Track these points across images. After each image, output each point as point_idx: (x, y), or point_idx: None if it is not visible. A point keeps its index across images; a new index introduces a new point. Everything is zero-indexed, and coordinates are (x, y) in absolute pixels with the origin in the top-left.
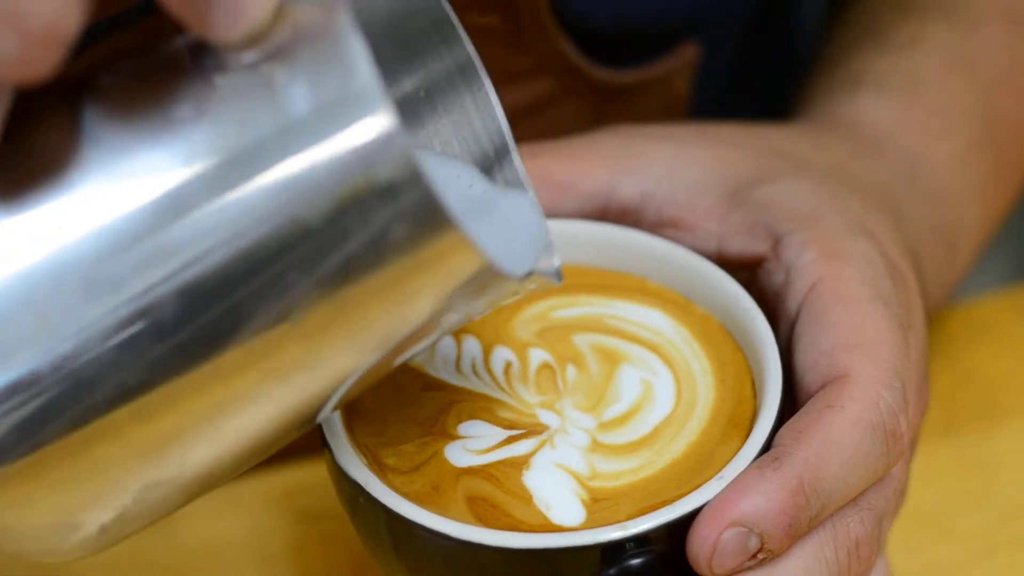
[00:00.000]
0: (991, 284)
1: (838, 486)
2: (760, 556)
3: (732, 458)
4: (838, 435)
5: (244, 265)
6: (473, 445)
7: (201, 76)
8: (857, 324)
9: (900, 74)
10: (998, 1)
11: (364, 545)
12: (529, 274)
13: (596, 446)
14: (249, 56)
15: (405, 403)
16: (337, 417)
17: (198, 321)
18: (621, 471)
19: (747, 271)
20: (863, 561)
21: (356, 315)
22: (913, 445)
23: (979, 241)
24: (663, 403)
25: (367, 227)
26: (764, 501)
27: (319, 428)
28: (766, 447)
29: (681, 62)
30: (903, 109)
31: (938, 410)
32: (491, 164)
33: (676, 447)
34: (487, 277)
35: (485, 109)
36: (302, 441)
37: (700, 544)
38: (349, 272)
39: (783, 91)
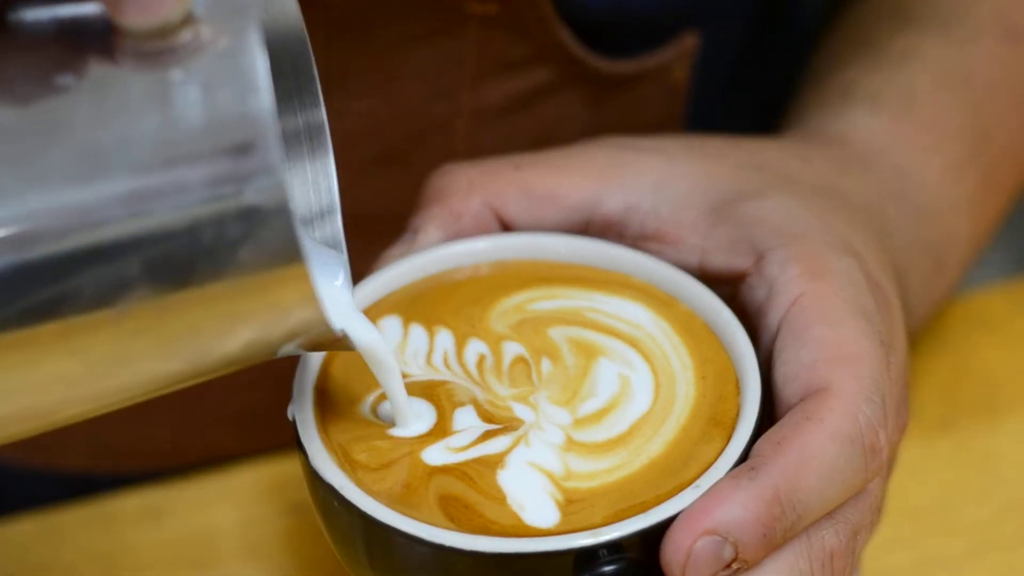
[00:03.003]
0: (991, 277)
1: (814, 498)
2: (734, 566)
3: (711, 463)
4: (816, 447)
5: (92, 244)
6: (451, 442)
7: (96, 51)
8: (839, 339)
9: (893, 88)
10: (993, 15)
11: (336, 549)
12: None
13: (571, 444)
14: (149, 46)
15: (377, 399)
16: (310, 413)
17: (31, 288)
18: (596, 471)
19: (729, 286)
20: (838, 573)
21: (177, 321)
22: (891, 463)
23: (968, 256)
24: (640, 399)
25: (220, 241)
26: (739, 510)
27: (292, 425)
28: (744, 455)
29: (681, 52)
30: (895, 125)
31: (937, 404)
32: (315, 218)
33: (653, 447)
34: (311, 319)
35: (322, 168)
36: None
37: (674, 552)
38: (188, 279)
39: (783, 83)
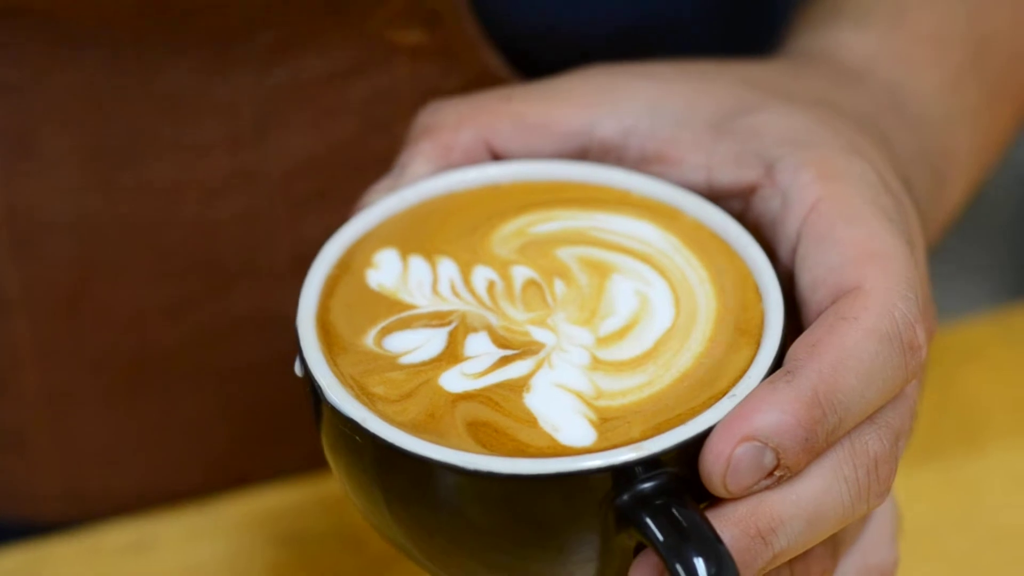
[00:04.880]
0: (975, 307)
1: (855, 399)
2: (777, 474)
3: (744, 371)
4: (853, 346)
5: None
6: (467, 368)
7: None
8: (864, 238)
9: (883, 3)
10: None
11: (356, 497)
12: None
13: (597, 363)
14: None
15: (387, 331)
16: (318, 353)
17: None
18: (627, 388)
19: (740, 200)
20: (883, 481)
21: None
22: (922, 369)
23: (973, 172)
24: (662, 314)
25: None
26: (779, 414)
27: (303, 375)
28: (777, 361)
29: None
30: (886, 38)
31: (922, 432)
32: None
33: (682, 360)
34: None
35: None
36: (280, 462)
37: (713, 461)
38: None
39: None
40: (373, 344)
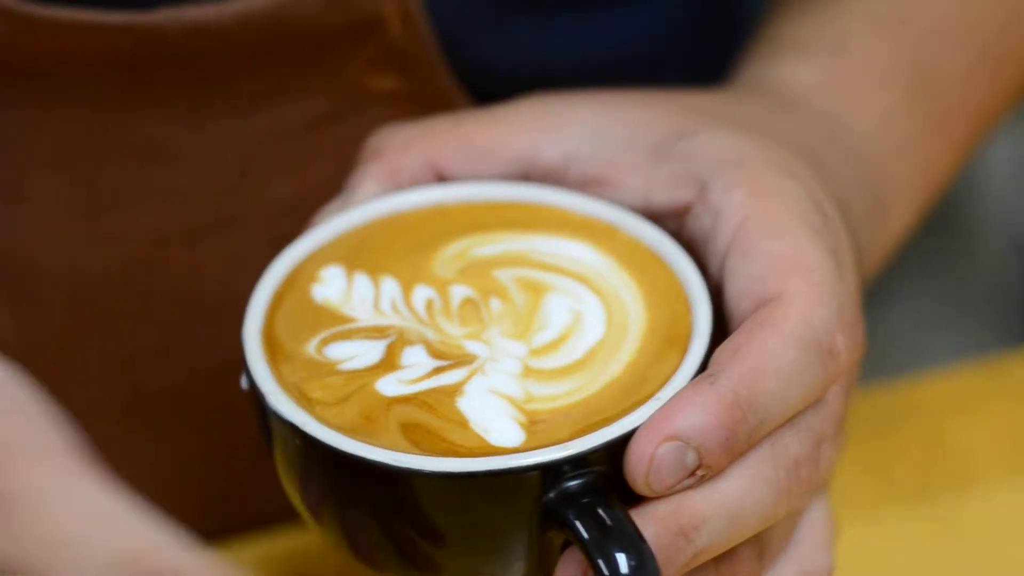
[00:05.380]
0: (964, 355)
1: (775, 402)
2: (699, 473)
3: (670, 376)
4: (773, 351)
5: None
6: (403, 376)
7: None
8: (787, 251)
9: (823, 37)
10: None
11: (296, 498)
12: None
13: (528, 371)
14: None
15: (330, 340)
16: (261, 361)
17: None
18: (557, 394)
19: (675, 221)
20: (803, 482)
21: None
22: (850, 382)
23: (916, 203)
24: (594, 328)
25: None
26: (700, 415)
27: (246, 373)
28: (704, 366)
29: None
30: (824, 71)
31: (912, 477)
32: None
33: (611, 369)
34: None
35: None
36: (277, 503)
37: (637, 460)
38: None
39: None
40: (314, 352)
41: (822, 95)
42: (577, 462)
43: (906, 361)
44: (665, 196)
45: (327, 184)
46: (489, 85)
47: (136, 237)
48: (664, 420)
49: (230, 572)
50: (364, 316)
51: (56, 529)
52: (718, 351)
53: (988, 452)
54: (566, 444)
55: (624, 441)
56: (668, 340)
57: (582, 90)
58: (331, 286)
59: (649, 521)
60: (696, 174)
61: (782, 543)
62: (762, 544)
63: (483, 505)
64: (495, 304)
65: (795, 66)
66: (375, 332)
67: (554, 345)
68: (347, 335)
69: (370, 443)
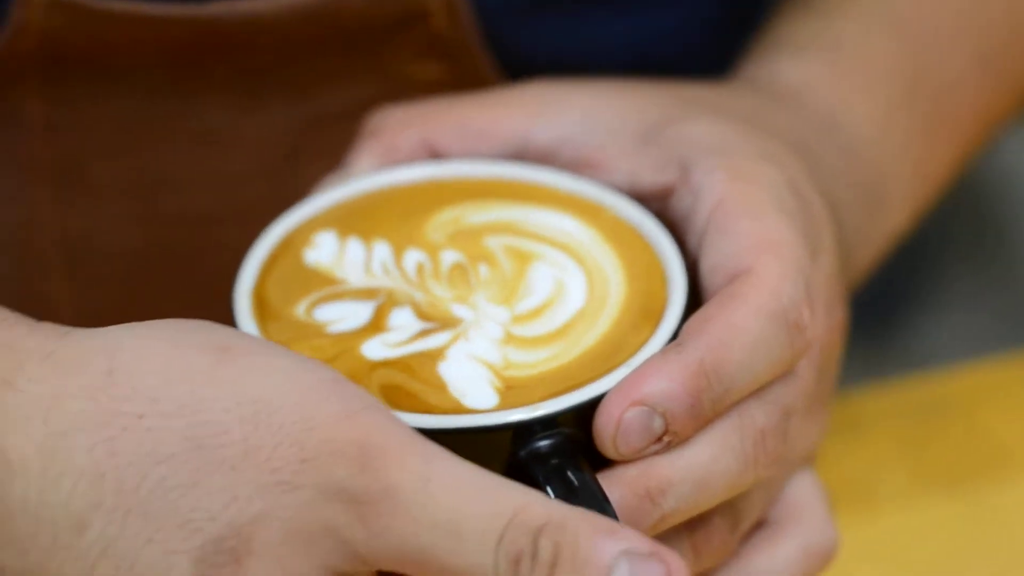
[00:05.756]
0: (998, 348)
1: (741, 372)
2: (666, 439)
3: (641, 346)
4: (740, 322)
5: None
6: (388, 338)
7: None
8: (760, 229)
9: (820, 37)
10: None
11: None
12: None
13: (510, 338)
14: None
15: (320, 301)
16: (251, 321)
17: None
18: (535, 361)
19: (659, 203)
20: (769, 453)
21: None
22: (826, 358)
23: (911, 200)
24: (575, 298)
25: None
26: (666, 382)
27: None
28: (675, 337)
29: None
30: (821, 70)
31: (947, 465)
32: None
33: (587, 338)
34: None
35: None
36: None
37: (605, 423)
38: None
39: None
40: (303, 314)
41: (818, 92)
42: (546, 423)
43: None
44: (650, 178)
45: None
46: (528, 74)
47: (189, 219)
48: (632, 385)
49: (594, 517)
50: (355, 278)
51: (445, 512)
52: (688, 322)
53: (1022, 441)
54: (536, 405)
55: (592, 405)
56: (644, 313)
57: (579, 78)
58: (324, 250)
59: (616, 484)
60: (680, 158)
61: (756, 515)
62: (736, 515)
63: None
64: (483, 270)
65: (792, 64)
66: (365, 294)
67: (536, 312)
68: (337, 296)
69: None
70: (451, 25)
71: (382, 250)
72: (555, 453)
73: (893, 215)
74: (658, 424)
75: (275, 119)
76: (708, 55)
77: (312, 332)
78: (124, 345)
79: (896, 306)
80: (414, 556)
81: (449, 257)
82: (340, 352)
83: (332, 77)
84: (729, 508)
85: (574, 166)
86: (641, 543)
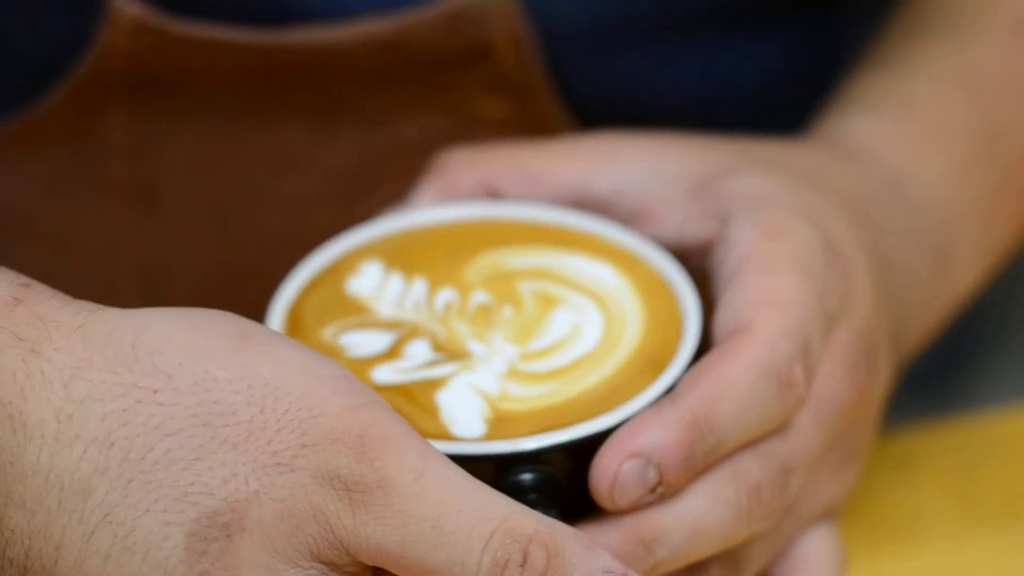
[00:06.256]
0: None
1: (732, 424)
2: (660, 490)
3: (636, 394)
4: (732, 377)
5: None
6: (400, 365)
7: None
8: (769, 286)
9: (894, 93)
10: (1003, 12)
11: None
12: None
13: (513, 373)
14: None
15: (348, 327)
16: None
17: None
18: (530, 396)
19: (702, 255)
20: (765, 506)
21: None
22: (851, 423)
23: (981, 257)
24: (587, 341)
25: None
26: (660, 434)
27: None
28: (671, 390)
29: None
30: (891, 127)
31: (996, 506)
32: None
33: (588, 380)
34: None
35: None
36: None
37: (601, 474)
38: None
39: None
40: (329, 337)
41: (888, 149)
42: (522, 459)
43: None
44: (694, 231)
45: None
46: (594, 115)
47: (262, 241)
48: (628, 437)
49: (575, 532)
50: (385, 311)
51: (435, 508)
52: (685, 376)
53: None
54: (515, 440)
55: (576, 444)
56: (650, 362)
57: (644, 130)
58: (366, 280)
59: (611, 530)
60: (722, 211)
61: (757, 566)
62: (736, 565)
63: None
64: (507, 310)
65: (863, 121)
66: (390, 325)
67: (546, 351)
68: (364, 325)
69: None
70: (517, 63)
71: (419, 288)
72: (531, 489)
73: (963, 274)
74: (652, 475)
75: (347, 147)
76: (774, 104)
77: (329, 353)
78: (150, 324)
79: (956, 347)
80: (396, 549)
81: (478, 297)
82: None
83: (402, 109)
84: (728, 558)
85: (631, 216)
86: (616, 563)
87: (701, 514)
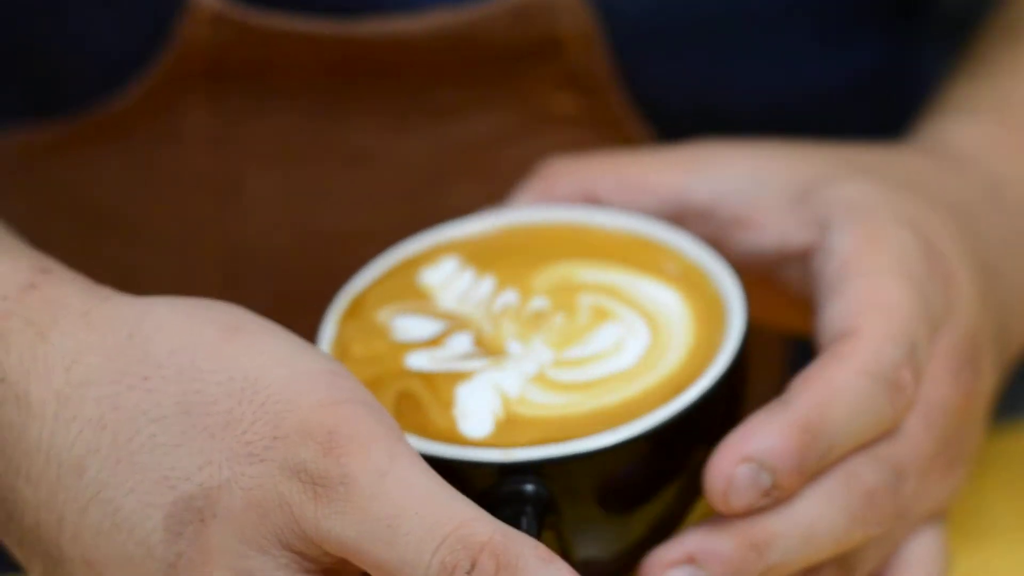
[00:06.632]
0: None
1: (843, 429)
2: (773, 494)
3: (636, 418)
4: (841, 381)
5: None
6: (436, 353)
7: None
8: (873, 291)
9: (989, 99)
10: None
11: None
12: None
13: (539, 378)
14: None
15: (405, 311)
16: (335, 316)
17: None
18: (547, 403)
19: (803, 262)
20: (878, 510)
21: None
22: (958, 426)
23: None
24: (625, 360)
25: None
26: (773, 438)
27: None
28: (681, 415)
29: None
30: (991, 131)
31: None
32: None
33: (609, 397)
34: None
35: None
36: None
37: (715, 478)
38: None
39: None
40: (382, 319)
41: (988, 153)
42: (512, 469)
43: None
44: (795, 239)
45: (502, 199)
46: (664, 114)
47: (333, 235)
48: (742, 442)
49: (535, 544)
50: (446, 303)
51: (392, 508)
52: (794, 380)
53: None
54: (506, 451)
55: (566, 459)
56: (674, 387)
57: (742, 137)
58: (439, 272)
59: (724, 533)
60: (822, 218)
61: (868, 568)
62: (848, 569)
63: None
64: (559, 318)
65: (960, 126)
66: (444, 316)
67: (580, 361)
68: (420, 311)
69: None
70: (586, 59)
71: (486, 286)
72: (518, 499)
73: None
74: (765, 479)
75: (421, 142)
76: (845, 109)
77: (376, 334)
78: (150, 313)
79: None
80: (353, 545)
81: (537, 303)
82: (386, 355)
83: (473, 104)
84: (840, 562)
85: (730, 224)
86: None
87: (814, 519)
